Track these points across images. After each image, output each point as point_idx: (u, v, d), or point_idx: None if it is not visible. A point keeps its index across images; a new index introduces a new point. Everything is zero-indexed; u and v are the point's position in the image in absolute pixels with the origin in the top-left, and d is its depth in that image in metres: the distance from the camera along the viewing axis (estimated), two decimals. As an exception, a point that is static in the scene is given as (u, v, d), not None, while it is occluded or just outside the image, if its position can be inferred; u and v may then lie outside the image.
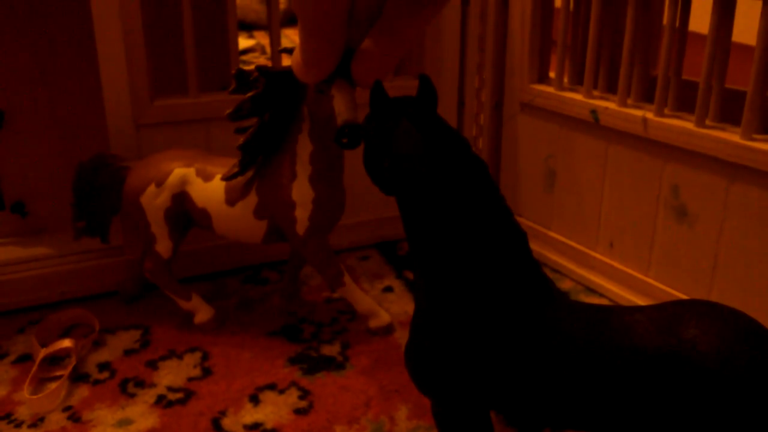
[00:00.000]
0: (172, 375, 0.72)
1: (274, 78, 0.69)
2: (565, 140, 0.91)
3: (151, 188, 0.75)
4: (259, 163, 0.73)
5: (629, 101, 0.82)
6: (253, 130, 0.70)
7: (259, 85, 0.69)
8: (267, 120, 0.70)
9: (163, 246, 0.77)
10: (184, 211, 0.76)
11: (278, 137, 0.72)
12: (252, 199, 0.73)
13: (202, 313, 0.80)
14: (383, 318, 0.79)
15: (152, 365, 0.74)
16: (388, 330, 0.79)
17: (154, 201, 0.75)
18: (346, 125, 0.59)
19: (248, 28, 2.52)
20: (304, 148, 0.71)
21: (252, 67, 0.69)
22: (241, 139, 0.71)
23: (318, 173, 0.72)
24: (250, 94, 0.69)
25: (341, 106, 0.59)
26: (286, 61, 0.84)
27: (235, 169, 0.72)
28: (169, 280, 0.79)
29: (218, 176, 0.74)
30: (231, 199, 0.74)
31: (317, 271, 0.76)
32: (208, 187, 0.74)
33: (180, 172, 0.75)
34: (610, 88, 0.88)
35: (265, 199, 0.73)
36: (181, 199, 0.75)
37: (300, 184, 0.72)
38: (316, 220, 0.73)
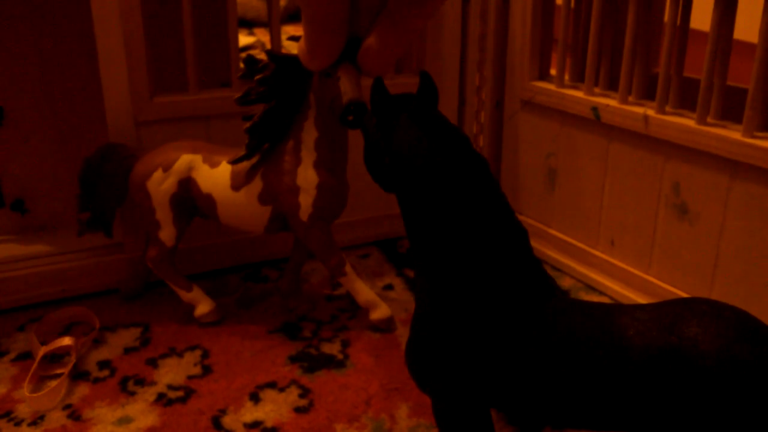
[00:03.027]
0: (172, 373, 0.72)
1: (283, 63, 0.69)
2: (566, 138, 0.91)
3: (158, 173, 0.75)
4: (265, 149, 0.74)
5: (630, 98, 0.82)
6: (261, 114, 0.71)
7: (267, 71, 0.69)
8: (274, 105, 0.71)
9: (167, 233, 0.77)
10: (189, 198, 0.76)
11: (284, 123, 0.73)
12: (257, 185, 0.74)
13: (203, 305, 0.80)
14: (384, 310, 0.79)
15: (152, 363, 0.74)
16: (389, 323, 0.79)
17: (161, 186, 0.75)
18: (352, 103, 0.60)
19: (248, 25, 2.51)
20: (309, 134, 0.72)
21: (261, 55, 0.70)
22: (248, 123, 0.71)
23: (323, 160, 0.72)
24: (258, 77, 0.69)
25: (347, 86, 0.60)
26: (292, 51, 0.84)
27: (242, 153, 0.72)
28: (170, 270, 0.79)
29: (224, 162, 0.75)
30: (236, 184, 0.74)
31: (319, 259, 0.76)
32: (214, 173, 0.75)
33: (187, 158, 0.76)
34: (611, 86, 0.88)
35: (270, 184, 0.74)
36: (187, 184, 0.76)
37: (305, 169, 0.72)
38: (319, 205, 0.73)
